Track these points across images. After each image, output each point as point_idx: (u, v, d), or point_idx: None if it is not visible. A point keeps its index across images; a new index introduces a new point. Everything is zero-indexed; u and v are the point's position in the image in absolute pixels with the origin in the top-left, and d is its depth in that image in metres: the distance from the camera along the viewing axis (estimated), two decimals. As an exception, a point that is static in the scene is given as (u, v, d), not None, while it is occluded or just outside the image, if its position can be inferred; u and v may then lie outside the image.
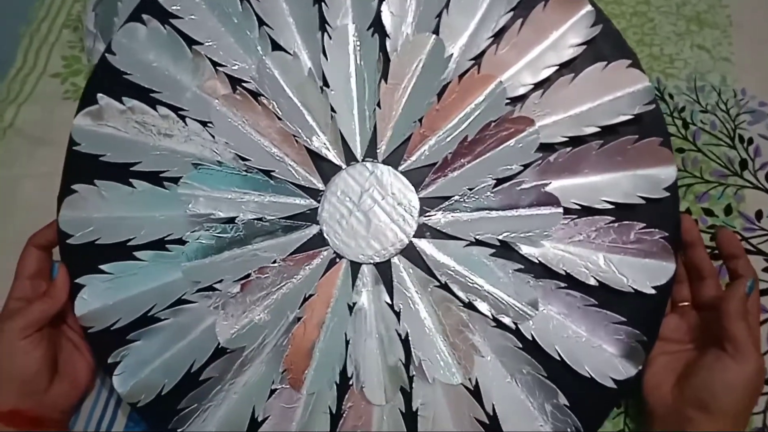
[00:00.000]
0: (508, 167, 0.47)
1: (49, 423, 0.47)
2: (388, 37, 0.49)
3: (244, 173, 0.48)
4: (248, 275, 0.47)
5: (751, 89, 0.61)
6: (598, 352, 0.46)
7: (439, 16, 0.49)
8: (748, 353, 0.42)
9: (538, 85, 0.49)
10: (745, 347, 0.42)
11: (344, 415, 0.46)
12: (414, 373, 0.46)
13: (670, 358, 0.47)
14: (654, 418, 0.46)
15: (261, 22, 0.49)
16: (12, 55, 0.66)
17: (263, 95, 0.48)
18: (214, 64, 0.49)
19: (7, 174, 0.61)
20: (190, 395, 0.46)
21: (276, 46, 0.49)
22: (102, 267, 0.48)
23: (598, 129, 0.47)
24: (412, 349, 0.46)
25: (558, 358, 0.46)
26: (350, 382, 0.46)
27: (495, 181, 0.47)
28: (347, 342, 0.47)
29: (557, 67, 0.49)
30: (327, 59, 0.49)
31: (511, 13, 0.49)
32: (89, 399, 0.53)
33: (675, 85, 0.62)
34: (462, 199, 0.48)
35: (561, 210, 0.46)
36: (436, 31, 0.49)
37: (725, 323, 0.43)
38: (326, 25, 0.49)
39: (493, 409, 0.46)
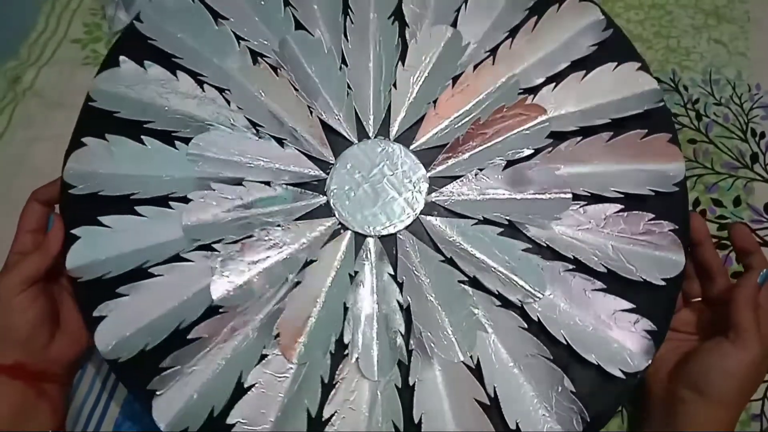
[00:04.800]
0: (519, 151, 0.50)
1: (52, 377, 0.48)
2: (407, 26, 0.53)
3: (256, 139, 0.50)
4: (250, 236, 0.48)
5: (765, 84, 0.65)
6: (606, 340, 0.46)
7: (458, 11, 0.54)
8: (750, 342, 0.43)
9: (550, 79, 0.52)
10: (747, 335, 0.44)
11: (336, 385, 0.45)
12: (413, 347, 0.46)
13: (676, 345, 0.49)
14: (650, 398, 0.48)
15: (286, 3, 0.54)
16: (34, 18, 0.70)
17: (283, 68, 0.52)
18: (237, 38, 0.53)
19: (23, 135, 0.64)
20: (173, 354, 0.46)
21: (299, 27, 0.53)
22: (100, 219, 0.49)
23: (609, 121, 0.50)
24: (413, 322, 0.46)
25: (564, 342, 0.46)
26: (345, 352, 0.46)
27: (505, 162, 0.49)
28: (345, 312, 0.47)
29: (569, 63, 0.52)
30: (348, 42, 0.53)
31: (527, 12, 0.53)
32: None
33: (690, 78, 0.66)
34: (472, 179, 0.50)
35: (570, 195, 0.48)
36: (454, 26, 0.53)
37: (732, 310, 0.45)
38: (349, 10, 0.53)
39: (495, 392, 0.45)
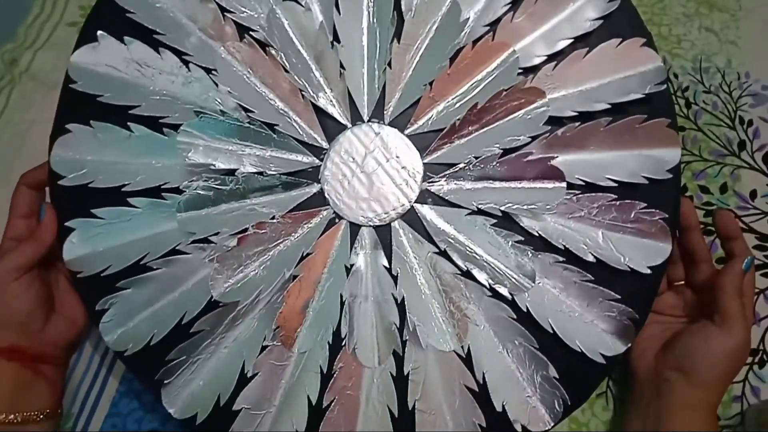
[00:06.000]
0: (516, 138, 0.49)
1: (49, 359, 0.50)
2: (404, -4, 0.50)
3: (247, 125, 0.49)
4: (245, 230, 0.48)
5: (755, 73, 0.65)
6: (590, 327, 0.49)
7: (457, -22, 0.51)
8: (734, 326, 0.46)
9: (551, 57, 0.51)
10: (733, 320, 0.46)
11: (334, 375, 0.48)
12: (407, 337, 0.48)
13: (661, 328, 0.52)
14: (635, 379, 0.51)
15: (273, -30, 0.50)
16: (29, 2, 0.70)
17: (271, 46, 0.49)
18: (222, 9, 0.50)
19: (21, 118, 0.65)
20: (179, 347, 0.48)
21: (287, -4, 0.50)
22: (94, 211, 0.49)
23: (608, 106, 0.50)
24: (407, 313, 0.48)
25: (551, 331, 0.48)
26: (343, 343, 0.48)
27: (501, 151, 0.49)
28: (342, 303, 0.49)
29: (572, 40, 0.51)
30: (339, 13, 0.50)
31: (530, -19, 0.51)
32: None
33: (680, 65, 0.66)
34: (467, 167, 0.50)
35: (564, 185, 0.49)
36: (454, -6, 0.50)
37: (718, 296, 0.47)
38: (341, -22, 0.50)
39: (483, 378, 0.48)
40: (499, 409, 0.48)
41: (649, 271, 0.49)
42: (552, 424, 0.48)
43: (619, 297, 0.49)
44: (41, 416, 0.48)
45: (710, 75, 0.65)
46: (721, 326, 0.47)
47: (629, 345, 0.49)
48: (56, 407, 0.50)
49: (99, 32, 0.49)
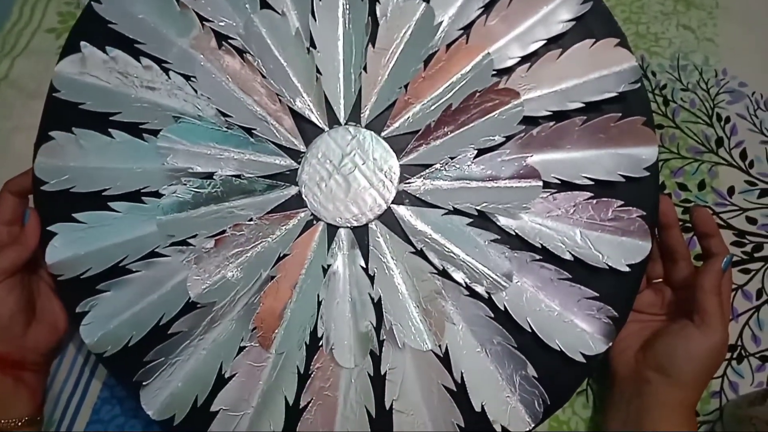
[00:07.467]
0: (491, 138, 0.50)
1: (30, 365, 0.51)
2: (378, 3, 0.52)
3: (225, 129, 0.51)
4: (223, 231, 0.49)
5: (732, 70, 0.66)
6: (570, 326, 0.49)
7: (431, -17, 0.52)
8: (714, 326, 0.46)
9: (525, 59, 0.52)
10: (712, 320, 0.46)
11: (312, 375, 0.49)
12: (384, 337, 0.49)
13: (640, 326, 0.51)
14: (615, 378, 0.51)
15: (251, -20, 0.52)
16: (8, 8, 0.70)
17: (249, 53, 0.51)
18: (201, 19, 0.52)
19: (1, 125, 0.66)
20: (157, 348, 0.49)
21: (265, 5, 0.52)
22: (75, 216, 0.50)
23: (583, 105, 0.50)
24: (384, 313, 0.49)
25: (530, 330, 0.48)
26: (320, 344, 0.49)
27: (476, 151, 0.50)
28: (319, 303, 0.49)
29: (545, 42, 0.52)
30: (315, 21, 0.52)
31: (503, -15, 0.52)
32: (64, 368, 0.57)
33: (658, 63, 0.66)
34: (443, 168, 0.51)
35: (541, 183, 0.49)
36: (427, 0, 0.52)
37: (698, 296, 0.47)
38: (317, -13, 0.52)
39: (462, 378, 0.48)
40: (478, 409, 0.48)
41: (628, 269, 0.49)
42: (532, 425, 0.48)
43: (597, 295, 0.49)
44: (20, 423, 0.49)
45: (688, 73, 0.66)
46: (700, 326, 0.47)
47: (610, 344, 0.49)
48: (36, 414, 0.51)
49: (82, 43, 0.51)
